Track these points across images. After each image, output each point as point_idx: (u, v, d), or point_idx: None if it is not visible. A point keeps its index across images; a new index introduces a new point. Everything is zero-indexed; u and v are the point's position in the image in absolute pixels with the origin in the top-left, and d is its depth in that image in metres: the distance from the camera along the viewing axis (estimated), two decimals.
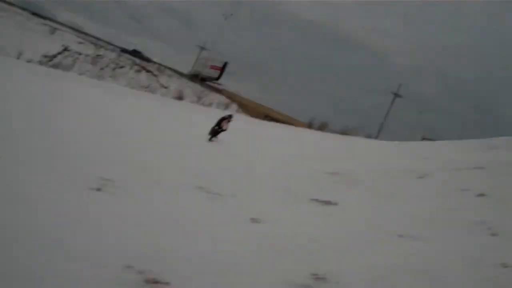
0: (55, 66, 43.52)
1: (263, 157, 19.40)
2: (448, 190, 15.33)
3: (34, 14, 64.67)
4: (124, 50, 66.78)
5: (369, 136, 43.75)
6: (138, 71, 59.45)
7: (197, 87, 61.57)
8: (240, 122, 26.38)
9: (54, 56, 50.46)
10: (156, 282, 6.03)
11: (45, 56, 48.24)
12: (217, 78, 69.50)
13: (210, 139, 19.90)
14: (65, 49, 53.51)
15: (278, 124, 42.48)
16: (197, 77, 66.76)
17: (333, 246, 9.13)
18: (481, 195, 14.73)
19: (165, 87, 56.28)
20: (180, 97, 50.12)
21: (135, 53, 67.69)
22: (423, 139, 32.62)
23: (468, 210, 12.82)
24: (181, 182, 11.86)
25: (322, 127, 48.33)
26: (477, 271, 8.24)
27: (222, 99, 60.29)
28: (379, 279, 7.53)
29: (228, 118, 20.54)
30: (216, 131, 20.17)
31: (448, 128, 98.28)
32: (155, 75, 60.03)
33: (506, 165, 18.70)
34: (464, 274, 8.06)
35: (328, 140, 31.53)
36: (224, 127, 19.99)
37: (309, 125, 51.14)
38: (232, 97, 63.42)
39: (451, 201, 13.93)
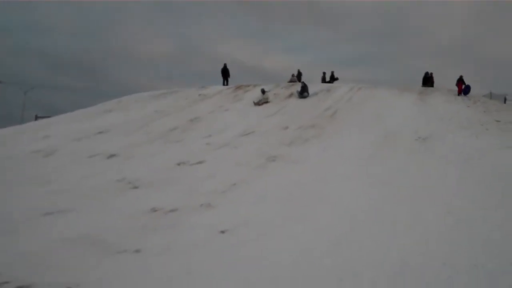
0: None
1: None
2: (82, 156, 16.39)
3: None
4: None
5: None
6: None
7: None
8: None
9: None
10: None
11: None
12: None
13: None
14: None
15: None
16: None
17: None
18: (112, 155, 16.35)
19: None
20: None
21: None
22: (37, 118, 32.16)
23: (110, 172, 14.24)
24: None
25: None
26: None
27: None
28: None
29: None
30: None
31: (65, 101, 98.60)
32: None
33: (124, 125, 20.76)
34: None
35: None
36: None
37: None
38: None
39: (89, 168, 15.02)
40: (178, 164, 15.00)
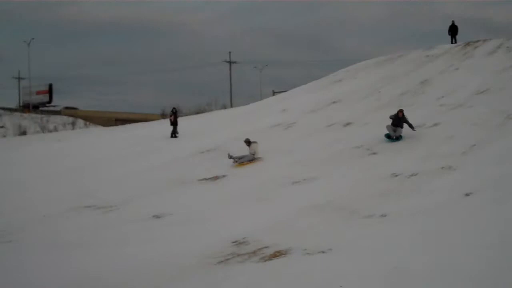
0: None
1: None
2: (319, 127, 17.61)
3: None
4: None
5: (224, 107, 45.09)
6: None
7: (34, 116, 58.23)
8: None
9: None
10: None
11: None
12: (49, 102, 66.62)
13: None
14: None
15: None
16: (28, 107, 63.17)
17: None
18: (348, 124, 17.22)
19: (1, 127, 52.56)
20: (23, 132, 47.45)
21: None
22: (274, 93, 35.01)
23: (352, 138, 15.12)
24: None
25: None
26: None
27: (65, 118, 58.08)
28: None
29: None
30: None
31: (295, 75, 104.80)
32: None
33: (355, 93, 21.48)
34: None
35: None
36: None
37: (162, 116, 51.15)
38: (74, 114, 61.37)
39: (327, 137, 16.13)
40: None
